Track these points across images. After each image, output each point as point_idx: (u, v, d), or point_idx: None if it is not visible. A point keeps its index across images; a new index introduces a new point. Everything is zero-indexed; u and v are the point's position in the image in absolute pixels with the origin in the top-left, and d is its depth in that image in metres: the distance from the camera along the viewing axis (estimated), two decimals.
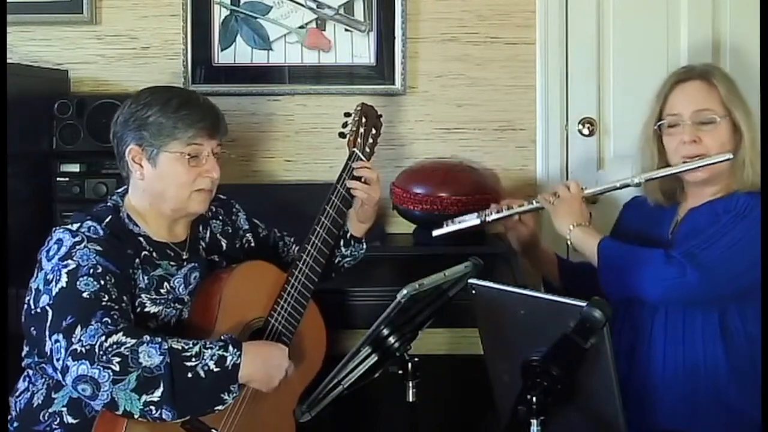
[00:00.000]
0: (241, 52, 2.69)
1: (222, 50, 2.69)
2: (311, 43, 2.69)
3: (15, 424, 1.75)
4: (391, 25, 2.67)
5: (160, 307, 1.78)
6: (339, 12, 2.67)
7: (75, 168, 2.44)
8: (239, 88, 2.70)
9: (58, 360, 1.58)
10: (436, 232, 2.12)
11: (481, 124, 2.72)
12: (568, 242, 1.95)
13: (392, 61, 2.68)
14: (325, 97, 2.68)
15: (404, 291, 1.54)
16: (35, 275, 1.72)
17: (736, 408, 1.82)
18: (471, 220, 2.09)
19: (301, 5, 2.68)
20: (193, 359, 1.60)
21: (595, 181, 2.58)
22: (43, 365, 1.73)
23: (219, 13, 2.69)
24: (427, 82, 2.71)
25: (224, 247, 1.98)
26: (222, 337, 1.68)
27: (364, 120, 2.04)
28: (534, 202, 2.05)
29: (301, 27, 2.69)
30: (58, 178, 2.45)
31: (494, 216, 2.07)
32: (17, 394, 1.79)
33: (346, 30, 2.68)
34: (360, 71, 2.69)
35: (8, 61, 2.37)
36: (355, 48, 2.69)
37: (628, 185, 1.99)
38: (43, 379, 1.75)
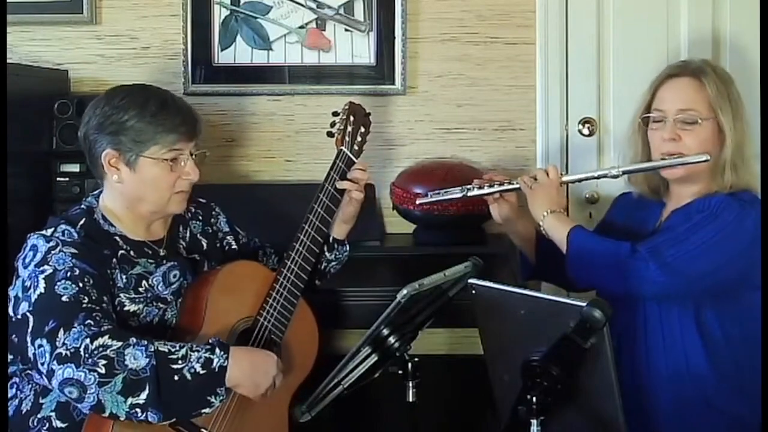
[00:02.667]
0: (241, 52, 2.69)
1: (222, 50, 2.69)
2: (311, 43, 2.69)
3: None
4: (391, 25, 2.67)
5: (140, 306, 1.77)
6: (339, 12, 2.67)
7: (75, 168, 2.44)
8: (239, 88, 2.70)
9: (43, 364, 1.56)
10: (419, 201, 2.21)
11: (481, 124, 2.71)
12: (542, 228, 1.96)
13: (392, 61, 2.67)
14: (325, 97, 2.68)
15: (404, 291, 1.54)
16: (13, 283, 1.70)
17: (727, 410, 1.83)
18: (454, 194, 2.14)
19: (301, 5, 2.68)
20: (180, 362, 1.59)
21: (595, 182, 2.59)
22: (29, 372, 1.72)
23: (219, 13, 2.68)
24: (427, 82, 2.71)
25: (205, 247, 1.97)
26: (210, 340, 1.67)
27: (352, 118, 2.05)
28: (514, 182, 2.07)
29: (301, 27, 2.68)
30: (58, 178, 2.45)
31: (475, 192, 2.10)
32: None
33: (346, 30, 2.68)
34: (360, 71, 2.69)
35: (8, 61, 2.37)
36: (355, 48, 2.69)
37: (605, 176, 2.00)
38: (30, 385, 1.74)
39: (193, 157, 1.82)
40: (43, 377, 1.59)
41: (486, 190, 2.09)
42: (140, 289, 1.78)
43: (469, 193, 2.10)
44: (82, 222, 1.75)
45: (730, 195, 1.86)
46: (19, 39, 2.68)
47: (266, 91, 2.71)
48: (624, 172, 1.97)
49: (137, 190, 1.78)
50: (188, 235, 1.95)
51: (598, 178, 2.04)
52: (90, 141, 1.78)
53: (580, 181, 2.09)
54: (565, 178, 2.03)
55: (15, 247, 1.77)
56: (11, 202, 2.03)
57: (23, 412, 1.73)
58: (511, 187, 2.07)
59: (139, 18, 2.70)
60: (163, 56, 2.70)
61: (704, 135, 1.88)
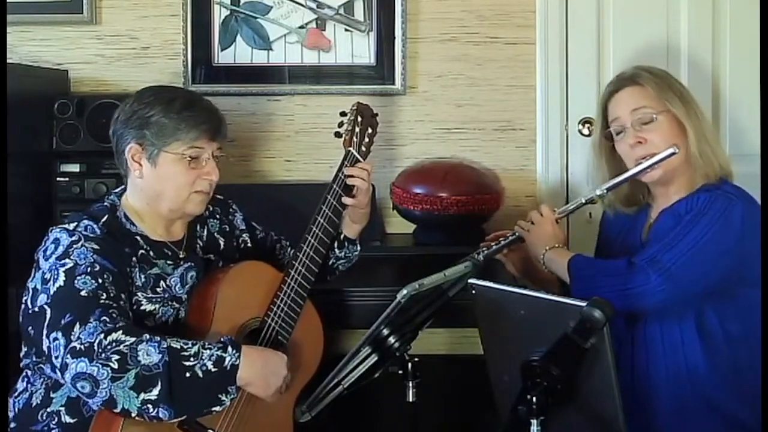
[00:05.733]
0: (241, 52, 2.69)
1: (222, 50, 2.69)
2: (311, 43, 2.69)
3: (13, 425, 1.75)
4: (391, 25, 2.67)
5: (157, 306, 1.78)
6: (339, 12, 2.67)
7: (75, 168, 2.44)
8: (239, 88, 2.70)
9: (56, 358, 1.58)
10: None
11: (481, 124, 2.72)
12: (544, 266, 1.96)
13: (392, 61, 2.68)
14: (325, 97, 2.68)
15: (404, 291, 1.53)
16: (32, 275, 1.72)
17: (726, 410, 1.82)
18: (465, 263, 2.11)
19: (301, 5, 2.68)
20: (192, 359, 1.60)
21: (595, 182, 2.59)
22: (41, 365, 1.73)
23: (219, 13, 2.69)
24: (427, 82, 2.71)
25: (222, 246, 1.98)
26: (222, 339, 1.68)
27: (359, 119, 2.05)
28: (515, 232, 2.06)
29: (301, 27, 2.69)
30: (58, 178, 2.45)
31: (484, 253, 2.07)
32: (16, 394, 1.79)
33: (346, 30, 2.68)
34: (360, 71, 2.69)
35: (8, 61, 2.37)
36: (355, 48, 2.69)
37: (592, 200, 2.01)
38: (42, 379, 1.75)
39: (215, 158, 1.84)
40: (57, 371, 1.59)
41: (494, 248, 2.07)
42: (158, 289, 1.79)
43: (480, 256, 2.06)
44: (104, 219, 1.77)
45: (714, 189, 1.87)
46: (19, 39, 2.68)
47: (266, 91, 2.72)
48: (608, 190, 1.98)
49: (157, 186, 1.80)
50: (206, 234, 1.96)
51: (586, 203, 2.02)
52: (117, 136, 1.82)
53: (572, 211, 2.07)
54: (558, 213, 2.03)
55: (15, 248, 1.77)
56: (11, 202, 2.03)
57: (33, 406, 1.75)
58: (512, 239, 2.06)
59: (139, 18, 2.70)
60: (163, 56, 2.71)
61: (665, 130, 1.90)
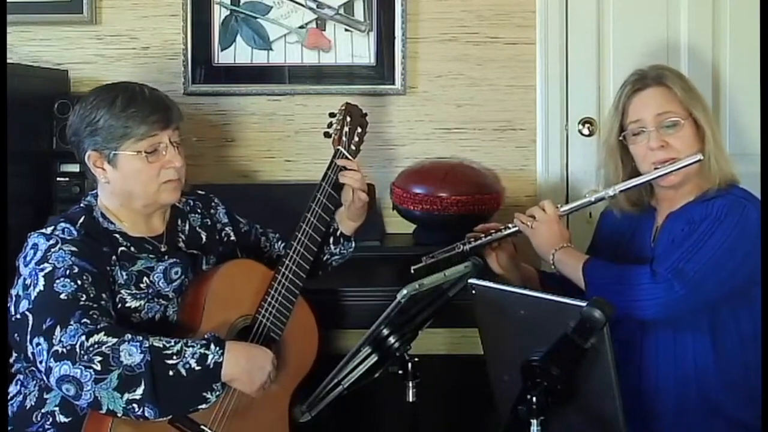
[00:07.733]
0: (241, 52, 2.69)
1: (222, 50, 2.69)
2: (311, 43, 2.69)
3: (9, 428, 1.75)
4: (391, 25, 2.67)
5: (141, 302, 1.78)
6: (339, 12, 2.67)
7: (75, 168, 2.44)
8: (239, 88, 2.70)
9: (41, 362, 1.58)
10: (415, 267, 2.10)
11: (481, 124, 2.72)
12: (552, 266, 1.93)
13: (392, 61, 2.68)
14: (325, 97, 2.68)
15: (404, 291, 1.53)
16: (15, 282, 1.71)
17: (728, 412, 1.82)
18: (450, 252, 2.07)
19: (301, 5, 2.68)
20: (174, 357, 1.60)
21: (596, 181, 2.59)
22: (33, 368, 1.72)
23: (219, 13, 2.69)
24: (427, 82, 2.71)
25: (204, 240, 1.97)
26: (205, 336, 1.68)
27: (348, 119, 2.06)
28: (510, 226, 2.02)
29: (301, 27, 2.69)
30: (58, 178, 2.45)
31: (473, 244, 2.05)
32: (9, 397, 1.79)
33: (346, 30, 2.68)
34: (360, 71, 2.69)
35: (8, 61, 2.37)
36: (355, 48, 2.69)
37: (603, 198, 1.96)
38: (35, 381, 1.75)
39: (175, 144, 1.81)
40: (43, 375, 1.60)
41: (483, 240, 2.04)
42: (141, 285, 1.79)
43: (468, 247, 2.05)
44: (81, 220, 1.76)
45: (725, 194, 1.86)
46: (19, 39, 2.68)
47: (266, 91, 2.72)
48: (621, 191, 1.94)
49: (124, 186, 1.79)
50: (187, 228, 1.95)
51: (595, 202, 1.98)
52: (75, 146, 1.81)
53: (577, 209, 2.01)
54: (562, 210, 1.98)
55: (15, 248, 1.77)
56: (11, 202, 2.03)
57: (27, 407, 1.75)
58: (508, 232, 2.02)
59: (139, 18, 2.70)
60: (163, 56, 2.71)
61: (688, 135, 1.88)
